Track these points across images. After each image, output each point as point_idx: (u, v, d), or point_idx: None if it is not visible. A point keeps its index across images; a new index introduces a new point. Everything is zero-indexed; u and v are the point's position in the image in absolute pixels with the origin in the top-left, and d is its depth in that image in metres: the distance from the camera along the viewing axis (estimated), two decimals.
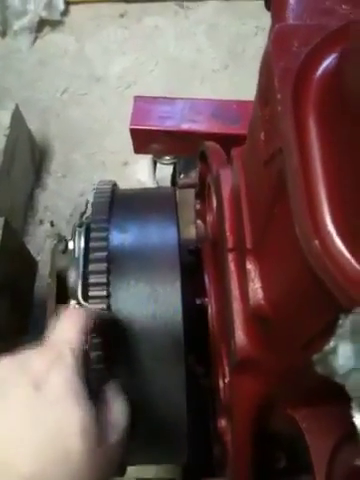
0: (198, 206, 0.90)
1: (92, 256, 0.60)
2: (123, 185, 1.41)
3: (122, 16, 1.64)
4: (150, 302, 0.59)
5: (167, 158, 1.28)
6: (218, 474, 0.73)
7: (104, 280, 0.58)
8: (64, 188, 1.38)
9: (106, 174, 1.39)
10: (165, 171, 1.28)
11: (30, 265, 1.04)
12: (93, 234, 0.61)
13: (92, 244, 0.61)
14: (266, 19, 1.81)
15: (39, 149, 1.40)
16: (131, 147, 1.42)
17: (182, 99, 1.24)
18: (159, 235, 0.64)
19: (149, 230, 0.64)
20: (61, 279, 1.00)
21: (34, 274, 1.06)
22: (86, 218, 0.71)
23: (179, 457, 0.66)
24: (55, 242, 1.10)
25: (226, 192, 0.51)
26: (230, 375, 0.55)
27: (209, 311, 0.67)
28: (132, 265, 0.61)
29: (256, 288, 0.38)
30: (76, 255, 0.70)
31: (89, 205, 1.36)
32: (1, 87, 1.46)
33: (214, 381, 0.66)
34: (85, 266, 0.62)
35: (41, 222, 1.33)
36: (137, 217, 0.66)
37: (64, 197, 1.36)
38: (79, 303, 0.61)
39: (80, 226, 0.70)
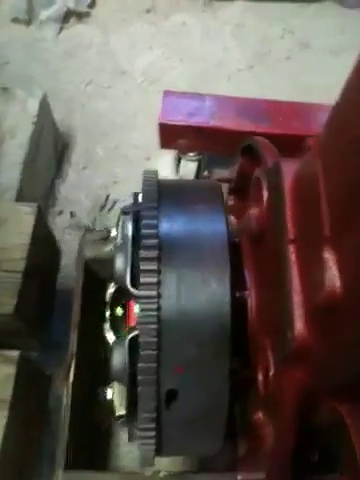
0: (231, 202, 0.90)
1: (143, 243, 0.59)
2: None
3: (149, 11, 1.64)
4: (199, 291, 0.59)
5: (192, 154, 1.28)
6: (239, 468, 0.72)
7: (155, 267, 0.58)
8: (85, 180, 1.37)
9: (128, 168, 1.38)
10: (189, 167, 1.28)
11: (55, 254, 1.03)
12: (144, 221, 0.61)
13: (143, 231, 0.60)
14: (293, 22, 1.80)
15: (62, 139, 1.40)
16: (154, 142, 1.42)
17: (212, 96, 1.24)
18: (208, 226, 0.63)
19: (198, 220, 0.64)
20: (88, 268, 0.99)
21: (58, 263, 1.05)
22: (130, 206, 0.70)
23: (214, 447, 0.65)
24: (84, 231, 1.10)
25: (287, 183, 0.51)
26: (278, 366, 0.55)
27: (248, 304, 0.67)
28: (182, 254, 0.60)
29: (333, 276, 0.38)
30: (119, 242, 0.69)
31: (109, 198, 1.35)
32: (27, 75, 1.46)
33: (250, 374, 0.66)
34: (133, 253, 0.62)
35: (61, 212, 1.33)
36: (186, 207, 0.66)
37: (84, 189, 1.35)
38: (127, 289, 0.61)
39: (125, 213, 0.70)
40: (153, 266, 0.58)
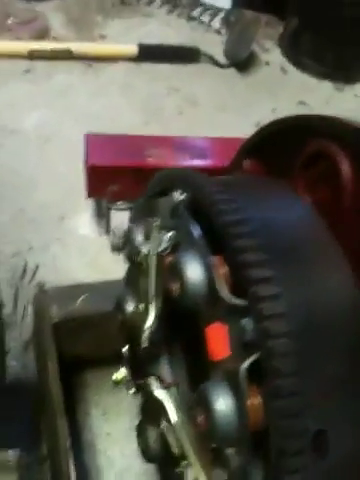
0: None
1: (241, 243, 0.45)
2: (67, 243, 1.23)
3: (27, 72, 1.52)
4: (325, 287, 0.46)
5: (120, 203, 1.14)
6: None
7: (270, 273, 0.44)
8: None
9: (42, 231, 1.19)
10: (120, 218, 1.14)
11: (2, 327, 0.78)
12: (228, 217, 0.46)
13: (230, 230, 0.46)
14: (174, 81, 1.84)
15: None
16: (64, 200, 1.27)
17: (141, 136, 1.15)
18: (294, 212, 0.52)
19: (280, 207, 0.52)
20: (59, 331, 0.77)
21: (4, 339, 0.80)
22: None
23: None
24: (39, 289, 0.86)
25: None
26: None
27: None
28: (285, 244, 0.48)
29: None
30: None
31: (27, 267, 1.13)
32: None
33: None
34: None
35: None
36: (257, 195, 0.54)
37: None
38: (219, 302, 0.45)
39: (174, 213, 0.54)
40: (267, 272, 0.44)
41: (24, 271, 1.11)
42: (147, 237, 0.57)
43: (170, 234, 0.53)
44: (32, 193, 1.26)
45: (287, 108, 1.65)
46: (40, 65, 1.54)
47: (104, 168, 1.04)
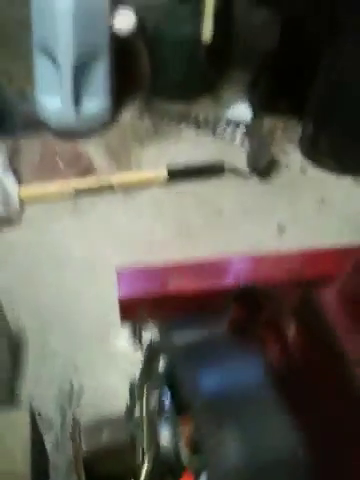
0: None
1: (196, 413, 0.58)
2: (109, 360, 1.38)
3: (74, 209, 1.77)
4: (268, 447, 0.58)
5: (151, 323, 1.30)
6: None
7: (220, 437, 0.56)
8: (44, 372, 1.31)
9: (86, 351, 1.36)
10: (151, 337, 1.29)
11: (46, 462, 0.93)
12: (185, 388, 0.60)
13: (188, 399, 0.59)
14: (203, 194, 2.03)
15: (14, 338, 1.36)
16: (107, 321, 1.43)
17: (163, 266, 1.32)
18: (249, 378, 0.65)
19: (237, 371, 0.65)
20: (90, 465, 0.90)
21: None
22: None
23: None
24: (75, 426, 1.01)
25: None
26: None
27: None
28: (238, 413, 0.60)
29: None
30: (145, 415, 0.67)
31: (74, 387, 1.29)
32: None
33: None
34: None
35: None
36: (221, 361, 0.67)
37: (45, 382, 1.29)
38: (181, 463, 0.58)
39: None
40: (212, 423, 0.57)
41: (71, 392, 1.28)
42: (139, 397, 0.71)
43: (156, 396, 0.67)
44: (78, 318, 1.45)
45: (308, 207, 1.79)
46: (84, 201, 1.79)
47: (132, 299, 1.21)
